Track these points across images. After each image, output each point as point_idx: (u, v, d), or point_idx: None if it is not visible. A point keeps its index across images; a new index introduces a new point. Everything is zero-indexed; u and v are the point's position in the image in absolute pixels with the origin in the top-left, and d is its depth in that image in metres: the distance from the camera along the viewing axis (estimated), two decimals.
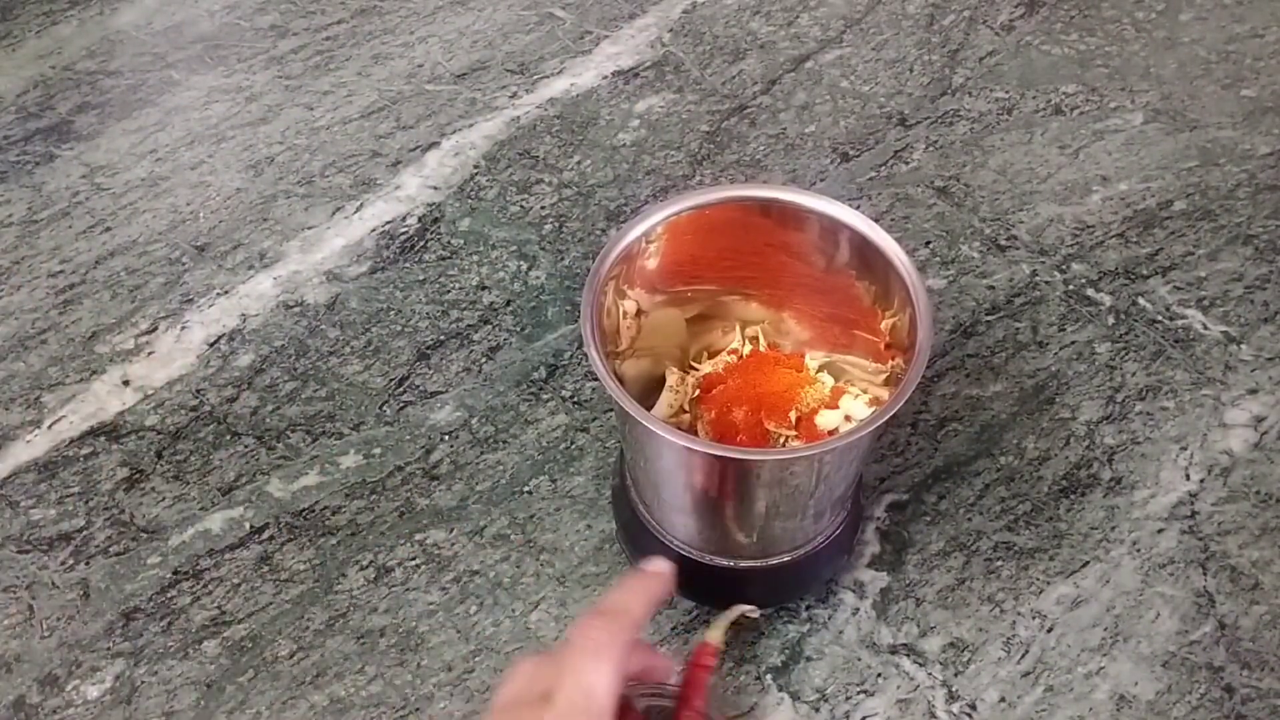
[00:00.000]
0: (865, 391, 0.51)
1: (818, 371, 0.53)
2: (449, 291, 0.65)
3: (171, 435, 0.59)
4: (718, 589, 0.51)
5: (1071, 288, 0.64)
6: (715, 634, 0.47)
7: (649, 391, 0.52)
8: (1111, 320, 0.63)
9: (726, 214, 0.48)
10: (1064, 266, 0.65)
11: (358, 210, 0.69)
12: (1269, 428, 0.58)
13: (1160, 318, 0.63)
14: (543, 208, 0.69)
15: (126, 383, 0.61)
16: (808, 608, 0.52)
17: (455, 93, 0.76)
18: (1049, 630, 0.51)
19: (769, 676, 0.50)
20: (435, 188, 0.70)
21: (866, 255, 0.46)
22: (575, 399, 0.60)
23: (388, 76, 0.77)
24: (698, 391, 0.52)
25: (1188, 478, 0.56)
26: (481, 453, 0.58)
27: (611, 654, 0.36)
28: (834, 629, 0.51)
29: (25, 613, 0.53)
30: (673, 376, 0.53)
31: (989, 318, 0.63)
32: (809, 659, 0.50)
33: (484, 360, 0.61)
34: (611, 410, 0.59)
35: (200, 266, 0.66)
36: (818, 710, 0.49)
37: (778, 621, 0.52)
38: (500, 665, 0.50)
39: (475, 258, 0.66)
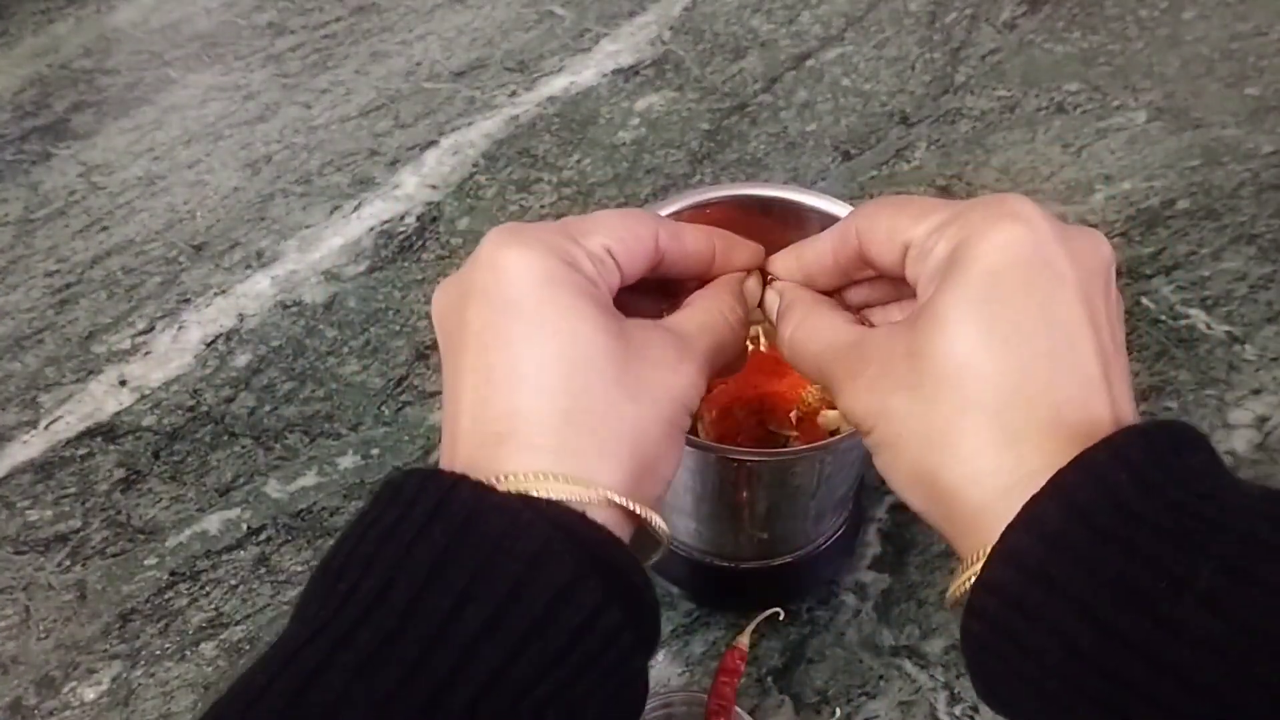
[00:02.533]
0: None
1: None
2: None
3: (168, 436, 0.58)
4: (718, 590, 0.51)
5: None
6: (746, 638, 0.47)
7: None
8: None
9: (727, 213, 0.47)
10: None
11: (356, 209, 0.68)
12: (1273, 428, 0.58)
13: (1163, 317, 0.62)
14: (542, 207, 0.68)
15: (123, 383, 0.61)
16: (809, 609, 0.52)
17: (454, 91, 0.75)
18: None
19: (770, 678, 0.49)
20: (434, 186, 0.70)
21: None
22: None
23: (386, 75, 0.76)
24: None
25: None
26: None
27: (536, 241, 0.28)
28: (835, 631, 0.51)
29: (22, 614, 0.52)
30: None
31: None
32: (810, 661, 0.50)
33: None
34: None
35: (197, 266, 0.66)
36: (818, 712, 0.49)
37: (778, 623, 0.51)
38: None
39: None
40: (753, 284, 0.35)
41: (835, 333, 0.30)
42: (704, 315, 0.32)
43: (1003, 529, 0.23)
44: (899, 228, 0.29)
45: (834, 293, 0.35)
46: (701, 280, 0.34)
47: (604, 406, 0.27)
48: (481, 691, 0.22)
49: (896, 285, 0.33)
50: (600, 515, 0.26)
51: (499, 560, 0.23)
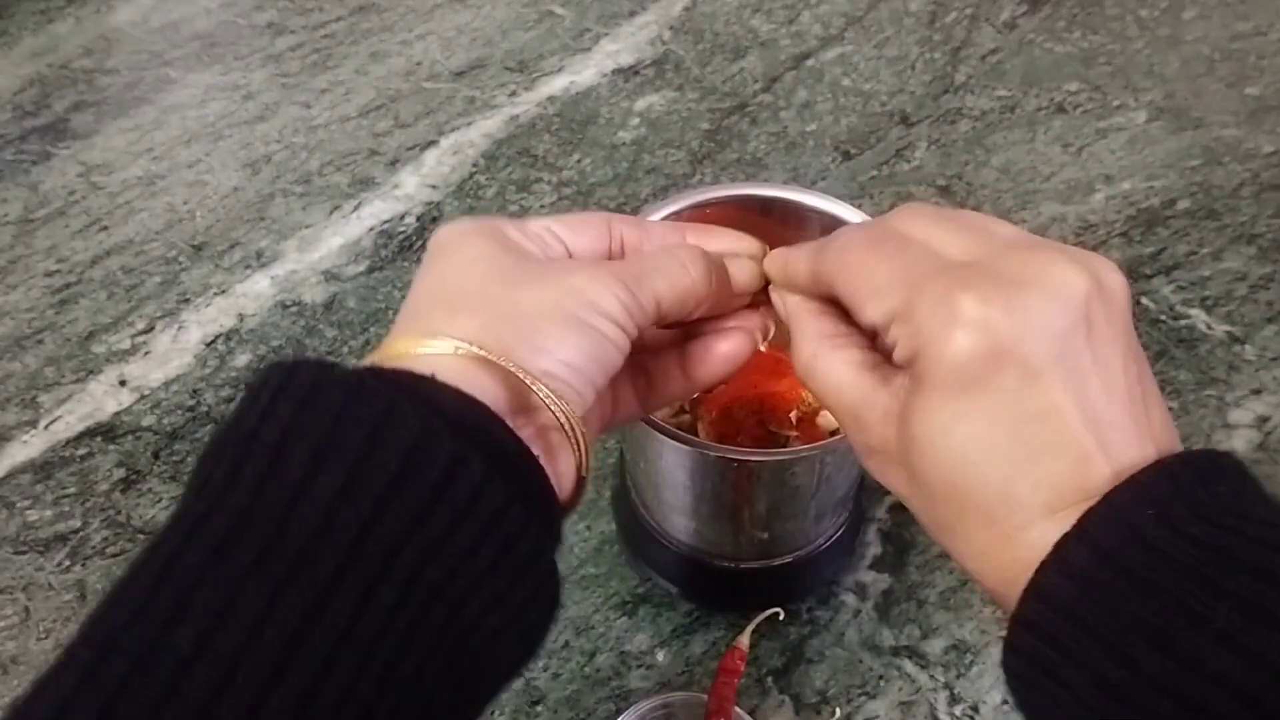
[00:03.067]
0: None
1: None
2: None
3: (168, 436, 0.58)
4: (718, 590, 0.51)
5: None
6: (746, 638, 0.47)
7: None
8: None
9: (727, 213, 0.47)
10: None
11: (355, 209, 0.68)
12: (1273, 428, 0.58)
13: (1164, 317, 0.62)
14: (542, 206, 0.68)
15: (123, 383, 0.60)
16: (809, 609, 0.52)
17: (454, 91, 0.75)
18: None
19: (770, 678, 0.49)
20: (434, 186, 0.70)
21: None
22: None
23: (386, 74, 0.76)
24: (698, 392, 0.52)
25: None
26: None
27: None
28: (835, 631, 0.51)
29: (21, 614, 0.52)
30: None
31: None
32: (810, 661, 0.50)
33: None
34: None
35: (197, 266, 0.66)
36: (818, 712, 0.49)
37: (778, 623, 0.51)
38: None
39: None
40: (747, 269, 0.34)
41: (841, 383, 0.29)
42: (653, 254, 0.31)
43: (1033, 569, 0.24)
44: (857, 303, 0.28)
45: None
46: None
47: (480, 288, 0.27)
48: (348, 556, 0.22)
49: None
50: (456, 377, 0.25)
51: (343, 427, 0.23)
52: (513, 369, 0.26)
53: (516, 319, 0.27)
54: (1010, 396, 0.24)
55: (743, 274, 0.33)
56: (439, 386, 0.25)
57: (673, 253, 0.31)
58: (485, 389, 0.25)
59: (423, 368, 0.25)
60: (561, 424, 0.27)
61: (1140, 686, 0.22)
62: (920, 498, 0.27)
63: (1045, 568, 0.23)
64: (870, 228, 0.29)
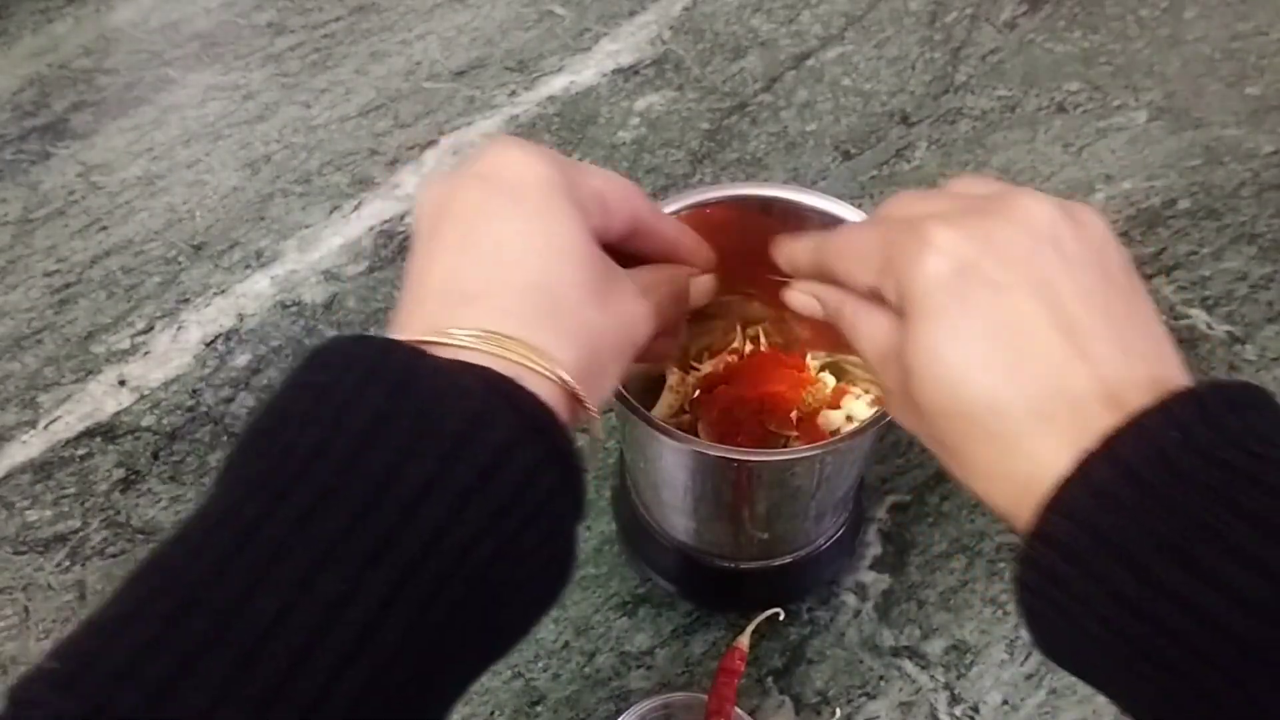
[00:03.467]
0: (867, 391, 0.50)
1: (819, 371, 0.52)
2: None
3: (168, 436, 0.58)
4: (718, 590, 0.51)
5: None
6: (746, 638, 0.47)
7: (649, 391, 0.52)
8: None
9: (727, 213, 0.47)
10: None
11: (355, 209, 0.68)
12: None
13: (1164, 317, 0.62)
14: None
15: (123, 383, 0.60)
16: (809, 609, 0.52)
17: (454, 90, 0.75)
18: None
19: (770, 679, 0.49)
20: None
21: None
22: None
23: (386, 74, 0.76)
24: (698, 391, 0.52)
25: None
26: None
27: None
28: (835, 631, 0.51)
29: (21, 615, 0.52)
30: (673, 376, 0.52)
31: None
32: (810, 661, 0.50)
33: None
34: (611, 410, 0.58)
35: (197, 266, 0.66)
36: (819, 713, 0.49)
37: (778, 623, 0.51)
38: (499, 667, 0.50)
39: None
40: (705, 281, 0.38)
41: (870, 333, 0.31)
42: (658, 273, 0.34)
43: (1054, 487, 0.24)
44: (851, 277, 0.31)
45: None
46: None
47: (574, 301, 0.28)
48: (425, 548, 0.23)
49: None
50: (541, 390, 0.26)
51: (438, 419, 0.24)
52: (589, 404, 0.28)
53: (599, 352, 0.28)
54: (982, 310, 0.26)
55: (701, 291, 0.38)
56: (526, 394, 0.26)
57: (671, 275, 0.34)
58: (552, 396, 0.27)
59: (508, 370, 0.26)
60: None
61: (1157, 599, 0.22)
62: (927, 428, 0.28)
63: (1067, 483, 0.24)
64: (861, 220, 0.32)
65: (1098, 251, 0.27)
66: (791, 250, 0.35)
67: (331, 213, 0.68)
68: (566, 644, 0.51)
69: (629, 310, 0.30)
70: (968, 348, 0.26)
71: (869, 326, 0.31)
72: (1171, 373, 0.26)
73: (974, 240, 0.26)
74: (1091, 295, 0.26)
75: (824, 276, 0.33)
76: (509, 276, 0.27)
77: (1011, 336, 0.26)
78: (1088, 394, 0.25)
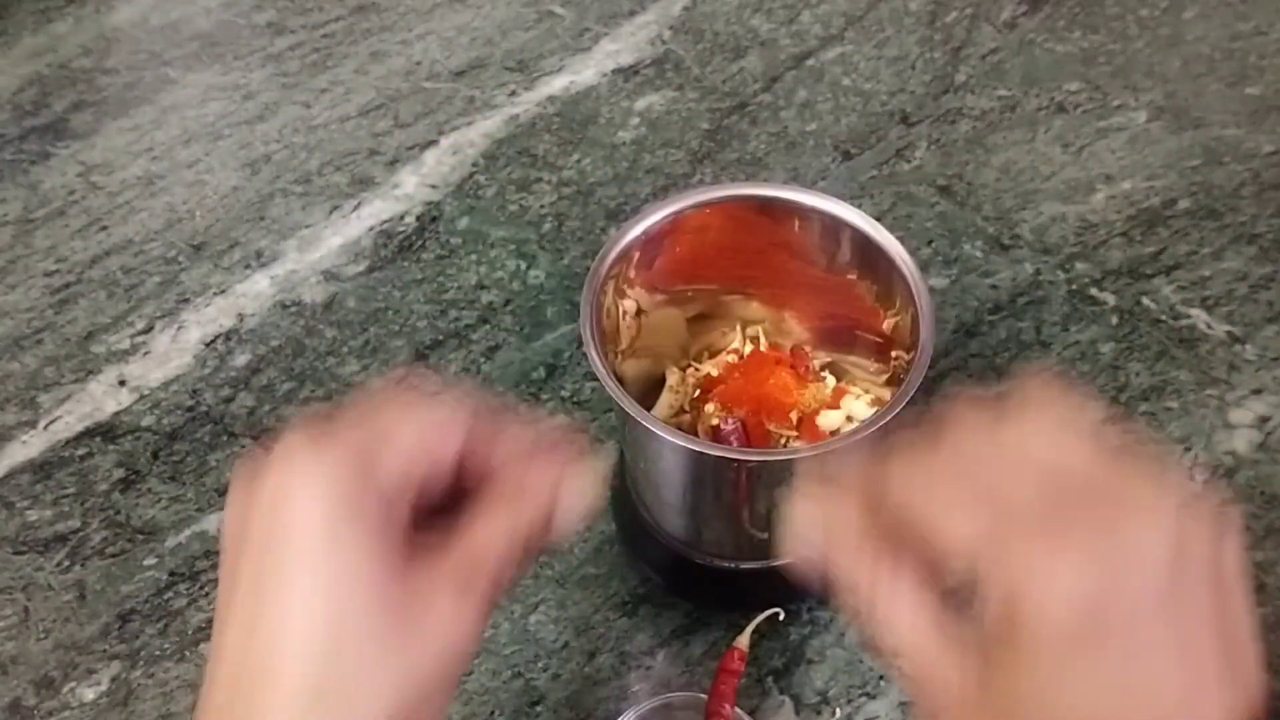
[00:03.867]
0: (867, 391, 0.50)
1: (819, 371, 0.52)
2: (447, 291, 0.64)
3: (168, 436, 0.58)
4: (718, 591, 0.51)
5: (1075, 287, 0.64)
6: (746, 638, 0.47)
7: (649, 391, 0.52)
8: (1115, 320, 0.62)
9: (727, 213, 0.47)
10: (1067, 266, 0.65)
11: (355, 209, 0.68)
12: (1273, 428, 0.58)
13: (1164, 317, 0.62)
14: (542, 206, 0.68)
15: (123, 383, 0.60)
16: (809, 610, 0.52)
17: (454, 90, 0.75)
18: None
19: (770, 679, 0.49)
20: (433, 186, 0.70)
21: (868, 254, 0.46)
22: (575, 399, 0.59)
23: (385, 74, 0.76)
24: (698, 391, 0.52)
25: (1192, 479, 0.56)
26: None
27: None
28: (835, 631, 0.51)
29: (21, 614, 0.52)
30: (673, 376, 0.52)
31: (992, 317, 0.63)
32: (810, 661, 0.50)
33: (483, 360, 0.61)
34: (611, 410, 0.58)
35: (197, 266, 0.66)
36: (819, 713, 0.49)
37: (778, 623, 0.51)
38: (499, 667, 0.50)
39: (474, 257, 0.66)
40: (579, 487, 0.31)
41: (913, 632, 0.27)
42: (497, 535, 0.29)
43: None
44: (931, 524, 0.27)
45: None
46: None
47: (372, 656, 0.26)
48: None
49: None
50: None
51: None
52: None
53: (409, 704, 0.26)
54: (1115, 650, 0.24)
55: (584, 497, 0.31)
56: None
57: (515, 526, 0.29)
58: None
59: None
60: None
61: None
62: None
63: None
64: (934, 449, 0.28)
65: (1209, 578, 0.25)
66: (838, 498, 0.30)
67: (331, 213, 0.68)
68: (566, 644, 0.51)
69: (448, 636, 0.27)
70: (1096, 696, 0.24)
71: (919, 619, 0.27)
72: (1252, 677, 0.25)
73: (1104, 575, 0.24)
74: (1226, 616, 0.25)
75: (874, 518, 0.29)
76: (297, 650, 0.26)
77: (1138, 678, 0.24)
78: None
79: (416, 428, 0.29)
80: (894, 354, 0.47)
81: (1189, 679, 0.24)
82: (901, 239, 0.45)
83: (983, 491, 0.26)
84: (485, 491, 0.30)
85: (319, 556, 0.27)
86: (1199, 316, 0.62)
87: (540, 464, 0.30)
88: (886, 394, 0.49)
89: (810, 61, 0.77)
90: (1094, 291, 0.63)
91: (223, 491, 0.56)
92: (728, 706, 0.45)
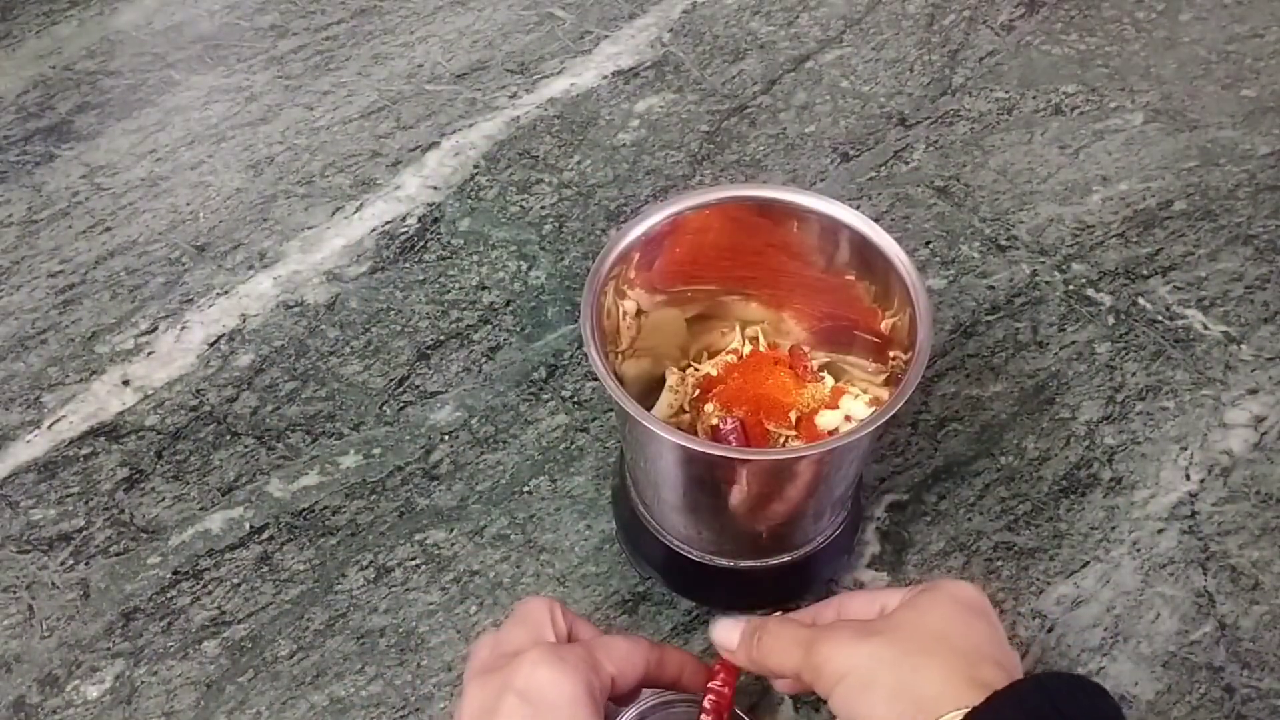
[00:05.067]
0: (865, 391, 0.51)
1: (818, 371, 0.53)
2: (449, 291, 0.65)
3: (171, 435, 0.59)
4: (717, 590, 0.51)
5: (1071, 288, 0.64)
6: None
7: (649, 391, 0.52)
8: (1111, 320, 0.63)
9: (726, 214, 0.48)
10: (1064, 266, 0.65)
11: (358, 210, 0.69)
12: (1269, 428, 0.58)
13: (1160, 318, 0.63)
14: (543, 208, 0.69)
15: (126, 383, 0.61)
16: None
17: (455, 93, 0.76)
18: (1049, 630, 0.51)
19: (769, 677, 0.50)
20: (435, 188, 0.70)
21: (866, 255, 0.46)
22: (575, 399, 0.60)
23: (388, 76, 0.77)
24: (697, 391, 0.52)
25: (1188, 478, 0.56)
26: (481, 453, 0.58)
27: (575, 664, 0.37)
28: None
29: (25, 613, 0.53)
30: (673, 376, 0.53)
31: (989, 318, 0.63)
32: None
33: (484, 360, 0.61)
34: (611, 410, 0.59)
35: (200, 266, 0.66)
36: (818, 710, 0.49)
37: None
38: None
39: (475, 258, 0.66)
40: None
41: (795, 632, 0.40)
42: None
43: None
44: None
45: None
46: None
47: None
48: None
49: None
50: None
51: None
52: None
53: None
54: (980, 614, 0.39)
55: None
56: None
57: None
58: None
59: None
60: None
61: None
62: (894, 645, 0.38)
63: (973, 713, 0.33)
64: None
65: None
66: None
67: (334, 214, 0.69)
68: None
69: None
70: (966, 616, 0.38)
71: (789, 631, 0.41)
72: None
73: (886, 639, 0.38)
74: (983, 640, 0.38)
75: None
76: None
77: (991, 628, 0.38)
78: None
79: (623, 655, 0.39)
80: (892, 354, 0.47)
81: (1008, 649, 0.38)
82: (899, 240, 0.45)
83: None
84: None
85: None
86: (1195, 317, 0.63)
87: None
88: (884, 394, 0.49)
89: (809, 64, 0.77)
90: (1090, 292, 0.64)
91: (226, 490, 0.56)
92: (727, 705, 0.45)
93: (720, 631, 0.42)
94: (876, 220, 0.46)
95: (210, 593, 0.53)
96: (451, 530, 0.55)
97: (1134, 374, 0.60)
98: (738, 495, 0.44)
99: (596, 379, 0.51)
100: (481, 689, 0.37)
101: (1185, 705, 0.49)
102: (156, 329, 0.63)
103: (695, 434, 0.50)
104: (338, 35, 0.80)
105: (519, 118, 0.74)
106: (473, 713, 0.37)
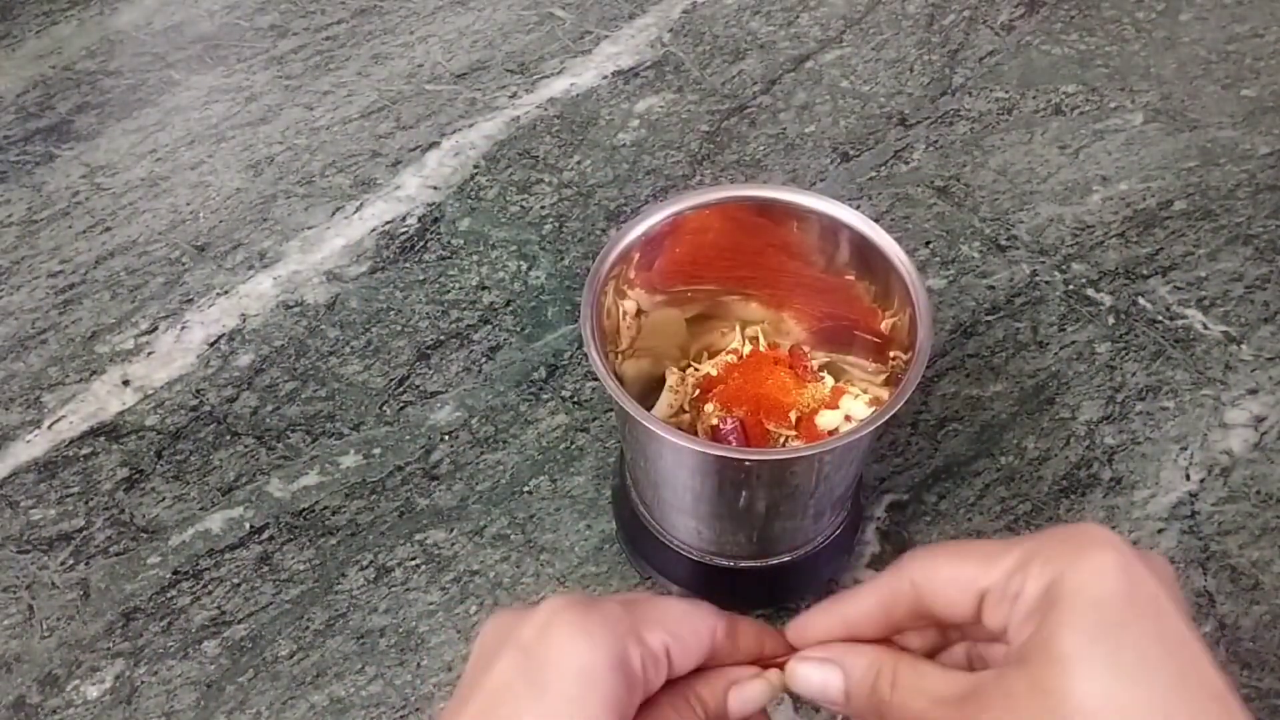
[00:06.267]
0: (865, 391, 0.51)
1: (818, 371, 0.53)
2: (449, 291, 0.65)
3: (171, 435, 0.59)
4: (717, 589, 0.51)
5: (1071, 288, 0.64)
6: None
7: (649, 391, 0.52)
8: (1111, 320, 0.63)
9: (726, 214, 0.48)
10: (1064, 266, 0.65)
11: (358, 210, 0.69)
12: (1269, 428, 0.58)
13: (1160, 318, 0.63)
14: (543, 208, 0.69)
15: (126, 383, 0.61)
16: (808, 608, 0.52)
17: (455, 93, 0.76)
18: None
19: None
20: (435, 188, 0.70)
21: (866, 255, 0.46)
22: (575, 399, 0.60)
23: (388, 76, 0.77)
24: (697, 391, 0.52)
25: (1188, 478, 0.56)
26: (481, 453, 0.58)
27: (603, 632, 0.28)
28: None
29: (25, 613, 0.53)
30: (673, 376, 0.53)
31: (989, 318, 0.63)
32: None
33: (484, 360, 0.61)
34: (611, 410, 0.59)
35: (200, 266, 0.66)
36: (818, 710, 0.49)
37: (777, 622, 0.51)
38: None
39: (475, 258, 0.66)
40: (755, 689, 0.32)
41: (943, 684, 0.29)
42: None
43: None
44: (967, 576, 0.28)
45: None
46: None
47: None
48: None
49: (944, 632, 0.32)
50: None
51: None
52: None
53: None
54: (1152, 621, 0.25)
55: (751, 701, 0.32)
56: None
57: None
58: None
59: None
60: None
61: None
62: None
63: None
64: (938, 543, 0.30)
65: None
66: (807, 621, 0.32)
67: (334, 214, 0.69)
68: None
69: None
70: (1138, 647, 0.25)
71: (934, 681, 0.29)
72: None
73: (1135, 552, 0.26)
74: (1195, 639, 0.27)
75: (882, 613, 0.31)
76: None
77: (1179, 656, 0.25)
78: None
79: (679, 618, 0.30)
80: (892, 354, 0.47)
81: (1215, 683, 0.25)
82: (899, 240, 0.45)
83: (1002, 542, 0.28)
84: (662, 696, 0.30)
85: (561, 703, 0.26)
86: (1195, 317, 0.63)
87: (716, 674, 0.31)
88: (884, 394, 0.49)
89: (809, 64, 0.77)
90: (1090, 292, 0.64)
91: (226, 490, 0.56)
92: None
93: (808, 678, 0.32)
94: (876, 220, 0.46)
95: (210, 593, 0.53)
96: (451, 530, 0.55)
97: (1134, 374, 0.60)
98: (737, 495, 0.44)
99: (596, 379, 0.51)
100: (486, 637, 0.29)
101: None
102: (156, 329, 0.63)
103: (695, 434, 0.50)
104: (338, 35, 0.80)
105: (519, 118, 0.74)
106: (472, 664, 0.29)
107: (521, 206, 0.69)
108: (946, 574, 0.29)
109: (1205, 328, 0.62)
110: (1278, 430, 0.58)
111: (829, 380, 0.52)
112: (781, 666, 0.32)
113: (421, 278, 0.65)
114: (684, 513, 0.47)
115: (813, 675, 0.31)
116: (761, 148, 0.72)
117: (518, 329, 0.63)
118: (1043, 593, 0.26)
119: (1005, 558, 0.28)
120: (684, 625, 0.30)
